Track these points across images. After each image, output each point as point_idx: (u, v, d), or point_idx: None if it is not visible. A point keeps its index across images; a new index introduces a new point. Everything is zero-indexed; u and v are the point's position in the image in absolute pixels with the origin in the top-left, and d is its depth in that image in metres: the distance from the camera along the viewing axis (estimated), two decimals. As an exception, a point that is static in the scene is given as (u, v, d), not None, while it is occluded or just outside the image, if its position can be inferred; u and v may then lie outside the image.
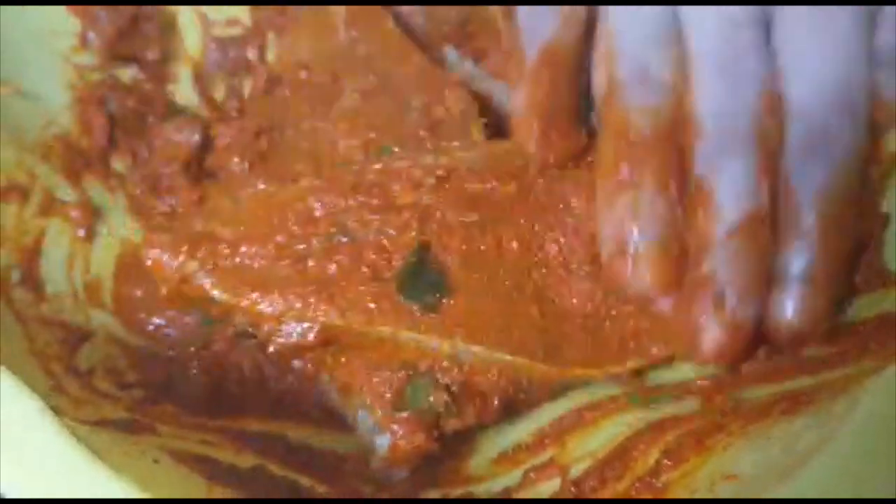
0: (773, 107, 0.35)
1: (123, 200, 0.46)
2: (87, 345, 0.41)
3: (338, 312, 0.38)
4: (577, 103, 0.41)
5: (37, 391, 0.30)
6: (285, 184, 0.41)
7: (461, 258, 0.40)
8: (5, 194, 0.41)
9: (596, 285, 0.40)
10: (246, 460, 0.38)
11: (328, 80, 0.48)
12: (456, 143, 0.43)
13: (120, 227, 0.45)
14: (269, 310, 0.38)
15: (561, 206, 0.41)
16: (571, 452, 0.40)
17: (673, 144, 0.37)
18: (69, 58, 0.46)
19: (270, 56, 0.51)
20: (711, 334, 0.35)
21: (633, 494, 0.36)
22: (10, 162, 0.42)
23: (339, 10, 0.49)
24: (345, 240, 0.39)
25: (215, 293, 0.39)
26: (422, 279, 0.39)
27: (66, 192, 0.44)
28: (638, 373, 0.41)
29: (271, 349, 0.39)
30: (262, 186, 0.41)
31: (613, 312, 0.40)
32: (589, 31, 0.41)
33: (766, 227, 0.36)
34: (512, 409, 0.41)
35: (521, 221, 0.41)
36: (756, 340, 0.37)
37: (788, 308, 0.35)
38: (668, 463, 0.37)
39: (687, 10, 0.37)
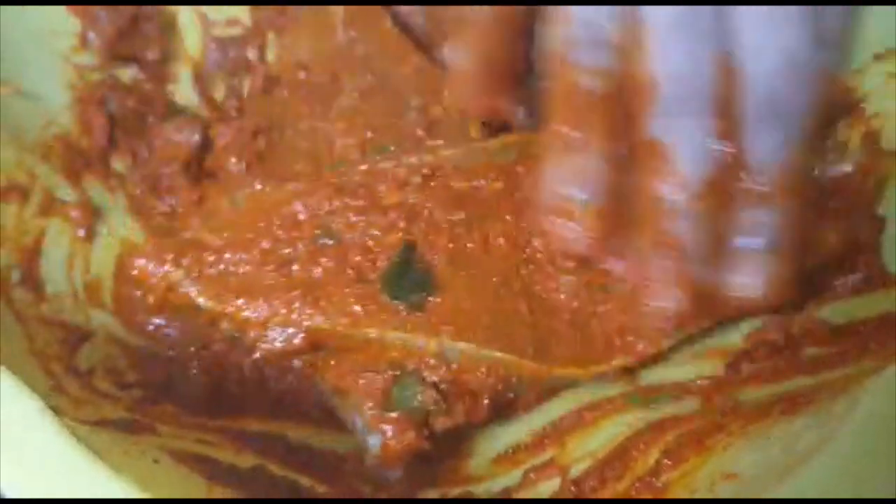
0: (729, 74, 0.35)
1: (123, 200, 0.46)
2: (87, 345, 0.41)
3: (323, 316, 0.38)
4: (521, 66, 0.41)
5: (37, 391, 0.30)
6: (282, 184, 0.41)
7: (448, 256, 0.40)
8: (5, 194, 0.41)
9: (581, 280, 0.40)
10: (246, 460, 0.38)
11: (327, 79, 0.48)
12: (441, 142, 0.43)
13: (120, 227, 0.45)
14: (254, 316, 0.39)
15: None
16: (571, 452, 0.40)
17: (622, 108, 0.37)
18: (69, 58, 0.46)
19: (270, 56, 0.51)
20: (670, 299, 0.35)
21: (633, 494, 0.37)
22: (10, 162, 0.42)
23: (338, 10, 0.49)
24: (330, 242, 0.40)
25: (201, 301, 0.39)
26: (407, 278, 0.39)
27: (66, 192, 0.44)
28: (628, 371, 0.41)
29: (257, 355, 0.39)
30: (258, 187, 0.41)
31: (600, 309, 0.40)
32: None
33: (725, 192, 0.36)
34: (503, 409, 0.41)
35: (508, 218, 0.41)
36: (716, 308, 0.37)
37: (749, 275, 0.35)
38: (668, 463, 0.37)
39: None
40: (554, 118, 0.37)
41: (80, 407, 0.36)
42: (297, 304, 0.39)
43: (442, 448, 0.39)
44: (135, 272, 0.40)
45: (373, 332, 0.38)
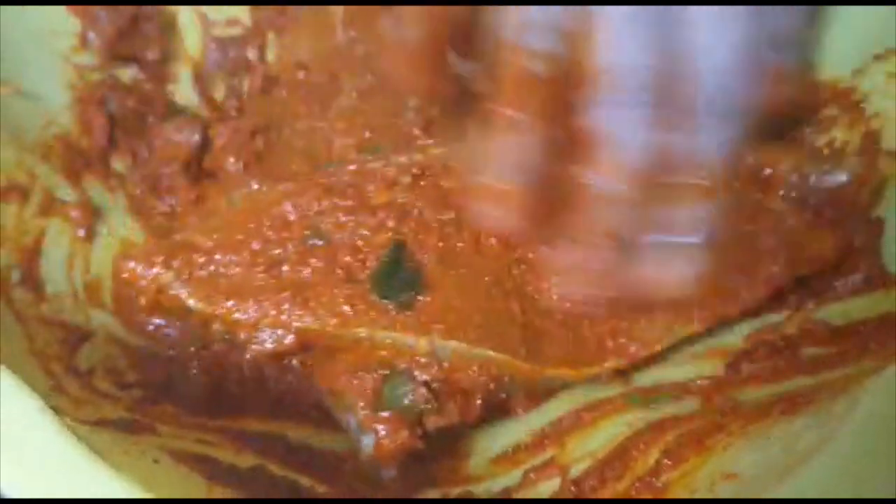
0: (676, 70, 0.35)
1: (123, 200, 0.46)
2: (87, 345, 0.41)
3: (313, 317, 0.38)
4: (465, 47, 0.41)
5: (37, 391, 0.30)
6: (278, 184, 0.41)
7: (438, 256, 0.40)
8: (5, 194, 0.41)
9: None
10: (246, 460, 0.38)
11: (326, 79, 0.48)
12: (431, 141, 0.43)
13: (120, 227, 0.45)
14: (244, 317, 0.39)
15: None
16: (571, 452, 0.40)
17: (565, 94, 0.37)
18: (69, 58, 0.46)
19: (270, 56, 0.51)
20: (594, 286, 0.35)
21: (633, 494, 0.37)
22: (10, 162, 0.42)
23: (338, 11, 0.49)
24: (319, 243, 0.40)
25: (191, 302, 0.39)
26: (397, 278, 0.39)
27: (66, 192, 0.44)
28: (621, 373, 0.41)
29: (248, 356, 0.39)
30: (255, 187, 0.41)
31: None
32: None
33: (662, 184, 0.35)
34: (497, 409, 0.41)
35: None
36: (644, 300, 0.36)
37: (680, 268, 0.35)
38: (668, 463, 0.37)
39: None
40: (497, 99, 0.37)
41: (80, 407, 0.36)
42: (286, 306, 0.39)
43: (437, 447, 0.40)
44: (125, 275, 0.40)
45: (363, 332, 0.38)
